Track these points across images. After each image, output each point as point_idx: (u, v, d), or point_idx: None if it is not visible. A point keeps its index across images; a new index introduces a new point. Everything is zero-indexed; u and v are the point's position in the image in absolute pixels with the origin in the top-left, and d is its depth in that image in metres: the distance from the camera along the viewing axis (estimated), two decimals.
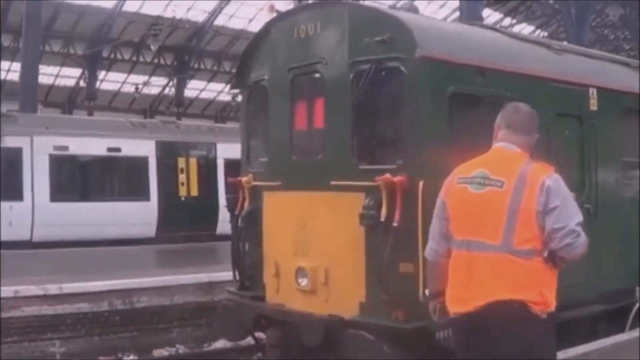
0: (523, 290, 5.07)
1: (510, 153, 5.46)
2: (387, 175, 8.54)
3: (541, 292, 5.11)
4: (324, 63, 9.64)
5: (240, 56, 11.41)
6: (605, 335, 10.43)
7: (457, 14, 43.60)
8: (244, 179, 10.72)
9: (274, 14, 14.68)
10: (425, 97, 8.69)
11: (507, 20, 55.89)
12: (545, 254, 5.14)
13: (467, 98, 8.99)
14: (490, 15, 51.09)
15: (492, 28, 11.65)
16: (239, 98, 45.57)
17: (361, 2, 10.62)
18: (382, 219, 8.55)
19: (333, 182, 9.21)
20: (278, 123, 10.39)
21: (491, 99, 9.01)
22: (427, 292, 5.94)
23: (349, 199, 9.06)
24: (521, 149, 5.46)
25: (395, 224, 8.44)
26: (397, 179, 8.50)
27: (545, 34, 55.83)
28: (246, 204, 10.69)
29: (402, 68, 8.76)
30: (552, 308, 5.19)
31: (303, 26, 9.98)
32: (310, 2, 15.04)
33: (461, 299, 5.29)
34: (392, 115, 9.35)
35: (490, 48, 9.87)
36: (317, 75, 9.83)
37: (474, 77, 9.00)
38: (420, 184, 8.32)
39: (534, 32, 55.83)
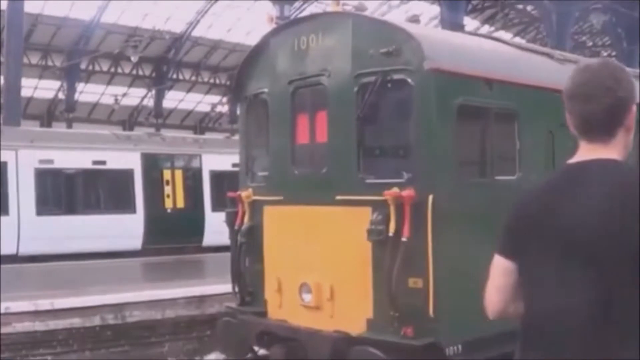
0: None
1: None
2: (395, 190, 8.40)
3: None
4: (327, 75, 9.49)
5: (238, 68, 11.25)
6: None
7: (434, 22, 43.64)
8: (243, 194, 10.54)
9: (274, 25, 14.43)
10: (433, 109, 8.57)
11: (486, 28, 55.89)
12: None
13: (475, 110, 8.90)
14: (468, 24, 51.06)
15: (494, 38, 11.59)
16: (219, 109, 45.18)
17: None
18: (391, 234, 8.40)
19: (338, 197, 9.07)
20: (279, 136, 10.23)
21: (498, 111, 8.94)
22: None
23: (355, 213, 8.92)
24: None
25: (404, 239, 8.30)
26: (405, 193, 8.36)
27: (523, 41, 55.91)
28: (246, 219, 10.52)
29: (409, 80, 8.64)
30: None
31: (304, 37, 9.82)
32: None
33: None
34: (398, 127, 9.23)
35: (496, 59, 9.79)
36: (320, 87, 9.67)
37: (482, 89, 8.90)
38: (430, 197, 8.21)
39: (512, 39, 55.81)
